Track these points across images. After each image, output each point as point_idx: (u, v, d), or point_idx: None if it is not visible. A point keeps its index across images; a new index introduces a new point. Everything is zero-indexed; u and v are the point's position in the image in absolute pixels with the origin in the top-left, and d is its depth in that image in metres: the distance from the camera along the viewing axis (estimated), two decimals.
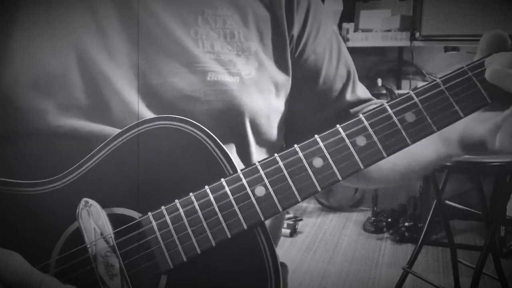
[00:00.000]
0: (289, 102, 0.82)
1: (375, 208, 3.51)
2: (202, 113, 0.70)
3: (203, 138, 0.62)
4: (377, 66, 3.53)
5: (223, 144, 0.71)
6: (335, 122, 0.87)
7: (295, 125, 0.85)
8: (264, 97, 0.76)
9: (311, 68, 0.83)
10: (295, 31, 0.80)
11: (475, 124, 0.62)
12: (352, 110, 0.87)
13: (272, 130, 0.79)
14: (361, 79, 0.92)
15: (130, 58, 0.69)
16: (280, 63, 0.79)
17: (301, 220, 3.53)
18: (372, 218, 3.44)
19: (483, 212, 2.20)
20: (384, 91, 3.39)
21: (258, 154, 0.78)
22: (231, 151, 0.74)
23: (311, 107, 0.85)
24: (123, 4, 0.71)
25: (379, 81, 3.35)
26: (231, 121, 0.73)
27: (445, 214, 2.37)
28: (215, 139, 0.62)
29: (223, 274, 0.61)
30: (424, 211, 3.20)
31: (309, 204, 3.87)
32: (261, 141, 0.78)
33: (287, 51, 0.79)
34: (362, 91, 0.89)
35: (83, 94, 0.68)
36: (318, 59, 0.83)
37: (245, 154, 0.76)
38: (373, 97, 0.91)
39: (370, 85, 3.25)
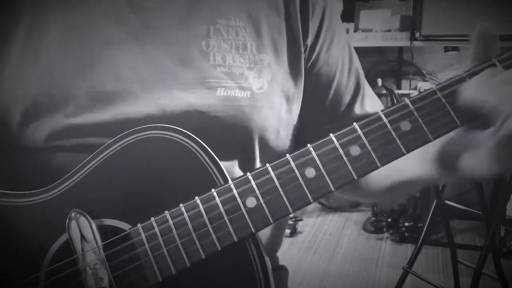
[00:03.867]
0: (299, 116, 0.80)
1: (375, 208, 3.51)
2: (211, 128, 0.69)
3: (194, 148, 0.61)
4: (377, 66, 3.53)
5: (228, 159, 0.70)
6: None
7: (304, 138, 0.81)
8: (275, 112, 0.74)
9: (323, 80, 0.80)
10: (309, 40, 0.77)
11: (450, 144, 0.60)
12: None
13: (280, 144, 0.77)
14: None
15: (135, 72, 0.68)
16: (294, 75, 0.76)
17: (301, 220, 3.53)
18: (372, 218, 3.44)
19: (483, 212, 2.20)
20: (384, 91, 3.39)
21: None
22: (234, 164, 0.73)
23: (319, 119, 0.82)
24: (132, 15, 0.70)
25: (379, 81, 3.34)
26: (239, 136, 0.71)
27: (445, 214, 2.36)
28: (206, 149, 0.61)
29: (213, 287, 0.60)
30: (424, 211, 3.20)
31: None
32: (267, 155, 0.76)
33: (301, 61, 0.77)
34: (370, 105, 0.86)
35: (87, 114, 0.67)
36: (330, 70, 0.80)
37: (248, 169, 0.74)
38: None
39: (370, 85, 3.24)
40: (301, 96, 0.78)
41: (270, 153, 0.76)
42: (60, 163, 0.67)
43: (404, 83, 3.53)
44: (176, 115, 0.68)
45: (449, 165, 0.60)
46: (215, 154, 0.62)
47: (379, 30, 3.22)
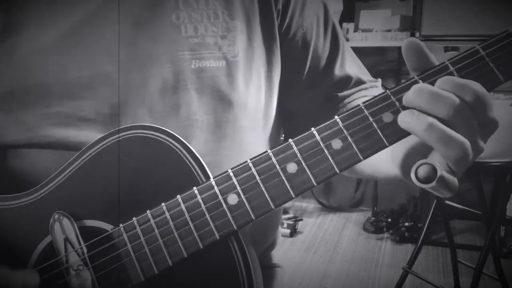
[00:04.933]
0: (280, 83, 0.79)
1: (375, 208, 3.50)
2: (192, 102, 0.69)
3: (176, 146, 0.61)
4: (377, 66, 3.52)
5: (215, 133, 0.70)
6: (326, 105, 0.81)
7: (289, 109, 0.83)
8: (254, 79, 0.74)
9: (299, 44, 0.79)
10: (281, 4, 0.76)
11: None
12: (340, 94, 0.82)
13: (267, 113, 0.77)
14: None
15: (108, 53, 0.68)
16: (268, 40, 0.76)
17: (301, 220, 3.53)
18: (372, 218, 3.43)
19: (483, 212, 2.19)
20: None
21: (255, 140, 0.76)
22: (225, 140, 0.72)
23: (302, 87, 0.81)
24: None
25: (379, 81, 3.34)
26: (221, 108, 0.71)
27: (445, 214, 2.35)
28: (188, 147, 0.61)
29: (196, 285, 0.60)
30: (424, 211, 3.19)
31: (309, 204, 3.87)
32: (257, 126, 0.76)
33: (275, 27, 0.76)
34: (352, 68, 0.84)
35: (66, 102, 0.67)
36: (306, 33, 0.79)
37: (238, 142, 0.74)
38: (364, 79, 0.85)
39: None
40: (279, 62, 0.78)
41: (256, 124, 0.76)
42: (43, 163, 0.67)
43: None
44: (155, 94, 0.68)
45: (409, 173, 0.59)
46: (198, 131, 0.61)
47: (379, 30, 3.22)
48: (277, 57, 0.77)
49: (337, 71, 0.82)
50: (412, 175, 0.52)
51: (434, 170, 0.51)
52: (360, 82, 0.84)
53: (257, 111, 0.76)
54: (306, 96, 0.82)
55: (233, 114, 0.72)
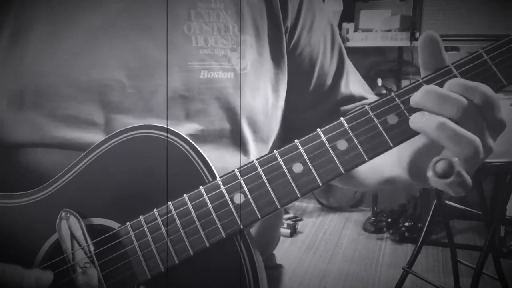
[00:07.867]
0: (286, 97, 0.80)
1: (375, 208, 3.50)
2: (198, 112, 0.70)
3: (182, 145, 0.61)
4: (377, 66, 3.52)
5: (219, 143, 0.71)
6: (329, 119, 0.85)
7: (292, 122, 0.83)
8: (260, 92, 0.75)
9: (306, 61, 0.81)
10: (289, 22, 0.78)
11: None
12: (342, 108, 0.84)
13: (271, 126, 0.78)
14: None
15: (119, 59, 0.68)
16: (276, 56, 0.77)
17: (301, 220, 3.53)
18: (372, 218, 3.44)
19: (483, 212, 2.19)
20: (384, 91, 3.38)
21: (257, 151, 0.76)
22: (230, 150, 0.73)
23: (307, 102, 0.83)
24: (113, 3, 0.69)
25: (379, 81, 3.33)
26: (226, 119, 0.72)
27: (445, 214, 2.36)
28: (195, 147, 0.61)
29: (202, 284, 0.60)
30: (424, 211, 3.19)
31: (309, 204, 3.87)
32: (260, 138, 0.77)
33: (283, 43, 0.77)
34: (356, 87, 0.86)
35: (75, 105, 0.67)
36: (313, 51, 0.81)
37: (243, 152, 0.74)
38: (367, 96, 0.86)
39: (370, 85, 3.23)
40: (286, 77, 0.79)
41: (261, 135, 0.76)
42: (51, 162, 0.67)
43: (404, 83, 3.51)
44: (163, 102, 0.68)
45: (417, 174, 0.60)
46: (204, 141, 0.62)
47: (379, 30, 3.22)
48: (284, 72, 0.78)
49: (343, 89, 0.84)
50: (430, 172, 0.53)
51: (451, 165, 0.52)
52: (363, 98, 0.86)
53: (262, 124, 0.76)
54: (310, 111, 0.83)
55: (239, 125, 0.73)
